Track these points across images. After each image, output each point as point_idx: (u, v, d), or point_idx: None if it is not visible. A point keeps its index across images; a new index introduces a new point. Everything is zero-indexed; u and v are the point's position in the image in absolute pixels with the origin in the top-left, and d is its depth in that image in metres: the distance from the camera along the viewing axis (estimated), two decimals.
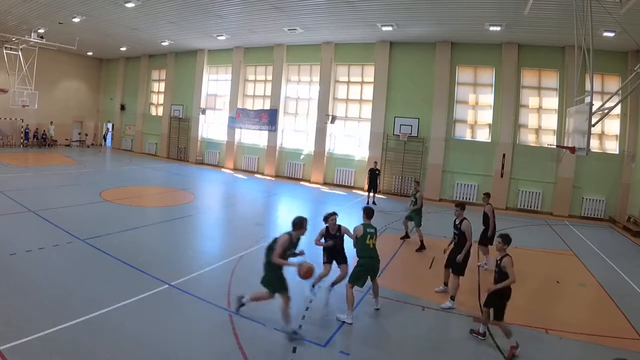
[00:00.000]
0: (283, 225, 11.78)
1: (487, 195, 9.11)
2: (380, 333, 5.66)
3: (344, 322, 5.73)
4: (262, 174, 21.78)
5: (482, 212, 8.78)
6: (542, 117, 16.68)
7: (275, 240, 5.35)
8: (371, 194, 15.72)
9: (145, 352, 4.65)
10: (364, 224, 6.15)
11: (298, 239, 5.44)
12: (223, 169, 22.97)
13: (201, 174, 20.99)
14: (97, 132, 31.16)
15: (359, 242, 6.04)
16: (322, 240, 6.57)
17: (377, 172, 15.74)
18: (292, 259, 5.34)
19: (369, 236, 6.01)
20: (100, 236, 8.64)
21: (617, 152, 15.59)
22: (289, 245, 5.29)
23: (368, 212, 6.35)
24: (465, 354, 5.26)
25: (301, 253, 5.49)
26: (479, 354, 5.26)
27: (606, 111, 8.61)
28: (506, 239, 5.46)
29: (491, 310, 5.40)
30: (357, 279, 5.96)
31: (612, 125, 15.75)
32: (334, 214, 6.57)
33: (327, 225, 6.57)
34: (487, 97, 17.31)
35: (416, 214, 10.15)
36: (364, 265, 5.98)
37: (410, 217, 10.35)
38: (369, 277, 6.08)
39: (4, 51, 22.01)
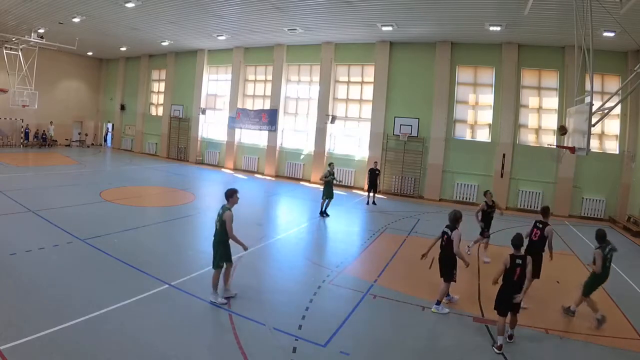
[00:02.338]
0: (283, 225, 11.81)
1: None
2: (379, 333, 5.65)
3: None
4: (262, 174, 21.78)
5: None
6: (542, 117, 16.67)
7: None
8: (371, 194, 15.72)
9: (145, 352, 4.65)
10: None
11: None
12: (223, 169, 22.97)
13: (201, 174, 20.99)
14: (97, 132, 31.16)
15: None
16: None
17: (377, 172, 15.74)
18: None
19: (217, 217, 6.19)
20: (100, 236, 8.65)
21: (617, 152, 15.59)
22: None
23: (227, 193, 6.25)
24: (465, 353, 5.26)
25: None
26: (479, 354, 5.26)
27: (606, 111, 8.59)
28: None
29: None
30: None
31: (612, 125, 15.75)
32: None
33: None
34: (487, 97, 17.31)
35: (327, 187, 12.63)
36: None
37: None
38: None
39: (4, 51, 22.02)
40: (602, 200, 15.58)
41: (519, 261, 5.38)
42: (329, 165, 13.70)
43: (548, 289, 7.88)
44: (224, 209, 6.11)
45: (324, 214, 12.74)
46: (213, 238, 6.22)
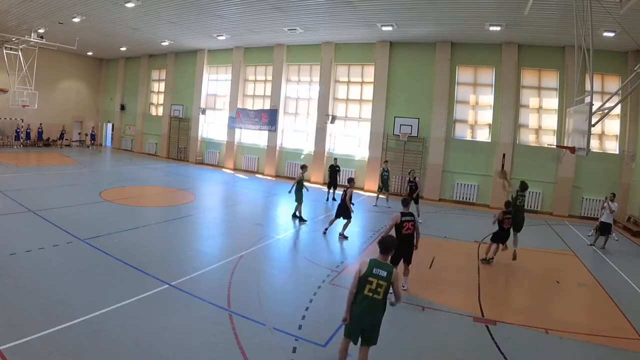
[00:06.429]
0: (283, 225, 11.81)
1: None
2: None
3: None
4: (262, 174, 21.78)
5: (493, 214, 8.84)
6: (542, 117, 16.68)
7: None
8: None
9: (144, 352, 4.65)
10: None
11: None
12: (223, 169, 22.97)
13: (201, 174, 20.99)
14: (97, 131, 31.09)
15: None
16: None
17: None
18: None
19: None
20: (100, 236, 8.64)
21: (617, 152, 15.59)
22: None
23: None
24: (466, 353, 5.27)
25: None
26: (479, 353, 5.26)
27: (606, 111, 8.60)
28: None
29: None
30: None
31: (612, 125, 15.75)
32: None
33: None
34: (487, 97, 17.31)
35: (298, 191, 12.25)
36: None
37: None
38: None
39: (4, 51, 21.99)
40: (602, 201, 15.53)
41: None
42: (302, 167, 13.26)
43: (548, 289, 7.88)
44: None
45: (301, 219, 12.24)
46: None
